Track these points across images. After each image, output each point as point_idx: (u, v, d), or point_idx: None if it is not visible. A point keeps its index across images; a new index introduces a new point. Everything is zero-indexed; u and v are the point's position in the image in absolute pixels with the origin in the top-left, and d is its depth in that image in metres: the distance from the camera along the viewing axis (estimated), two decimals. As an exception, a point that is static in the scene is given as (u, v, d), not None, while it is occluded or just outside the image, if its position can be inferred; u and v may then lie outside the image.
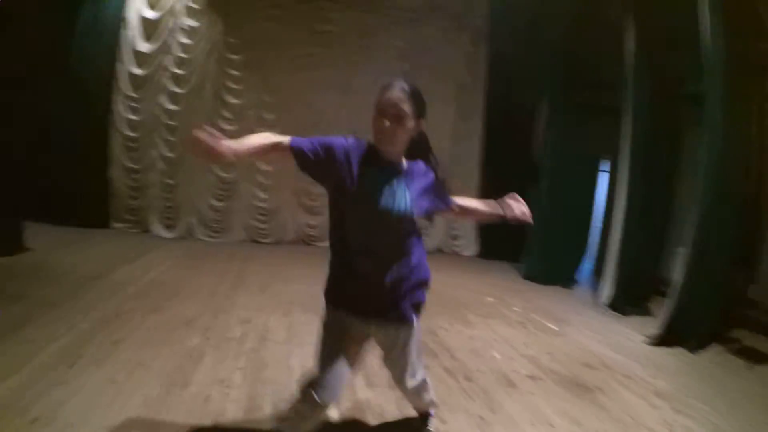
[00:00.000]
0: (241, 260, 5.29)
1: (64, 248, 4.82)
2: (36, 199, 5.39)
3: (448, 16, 6.87)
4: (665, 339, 3.58)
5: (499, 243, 6.98)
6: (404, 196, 1.43)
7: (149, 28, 6.07)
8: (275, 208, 6.62)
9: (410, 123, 1.41)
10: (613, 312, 4.48)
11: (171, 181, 6.24)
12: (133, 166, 6.15)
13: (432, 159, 1.59)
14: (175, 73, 6.13)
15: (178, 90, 6.15)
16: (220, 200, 6.44)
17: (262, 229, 6.59)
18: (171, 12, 6.10)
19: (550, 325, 3.96)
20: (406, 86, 1.40)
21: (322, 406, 1.45)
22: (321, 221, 6.67)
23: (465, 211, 1.74)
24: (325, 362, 1.47)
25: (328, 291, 1.57)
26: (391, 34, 6.75)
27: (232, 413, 2.11)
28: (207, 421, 2.03)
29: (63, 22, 5.73)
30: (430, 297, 1.66)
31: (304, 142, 1.39)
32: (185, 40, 6.11)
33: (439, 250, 7.20)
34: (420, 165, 1.55)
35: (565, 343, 3.52)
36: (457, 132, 7.18)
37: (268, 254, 5.89)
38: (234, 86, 6.35)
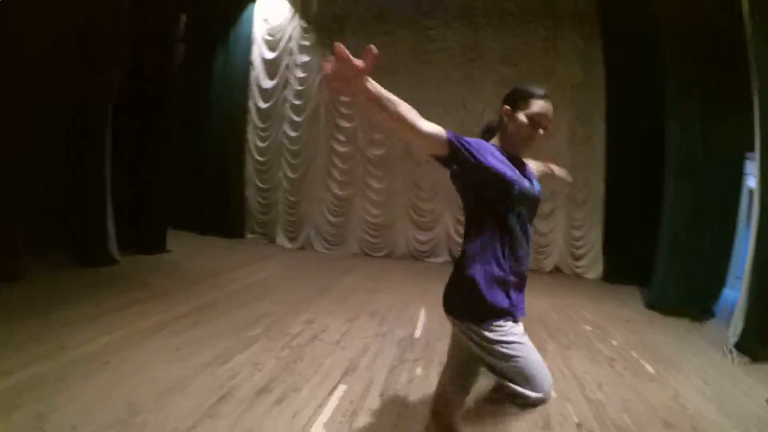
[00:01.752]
0: (342, 271, 5.60)
1: (199, 252, 5.91)
2: (188, 213, 6.73)
3: (555, 17, 6.43)
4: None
5: (628, 264, 6.01)
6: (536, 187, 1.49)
7: (270, 67, 7.16)
8: (386, 223, 6.89)
9: None
10: (741, 355, 3.39)
11: (293, 198, 7.09)
12: (262, 186, 7.23)
13: None
14: (294, 104, 7.04)
15: (297, 118, 7.04)
16: (335, 215, 7.01)
17: (374, 243, 6.91)
18: (287, 51, 7.08)
19: (646, 365, 3.13)
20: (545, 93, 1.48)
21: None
22: (431, 237, 6.74)
23: None
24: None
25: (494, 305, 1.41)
26: (496, 43, 6.58)
27: (245, 390, 2.34)
28: (222, 391, 2.30)
29: (202, 70, 7.18)
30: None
31: (463, 138, 1.29)
32: (300, 74, 6.99)
33: (557, 270, 6.48)
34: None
35: (655, 392, 2.69)
36: (575, 137, 6.51)
37: (372, 267, 6.04)
38: (345, 111, 6.93)
